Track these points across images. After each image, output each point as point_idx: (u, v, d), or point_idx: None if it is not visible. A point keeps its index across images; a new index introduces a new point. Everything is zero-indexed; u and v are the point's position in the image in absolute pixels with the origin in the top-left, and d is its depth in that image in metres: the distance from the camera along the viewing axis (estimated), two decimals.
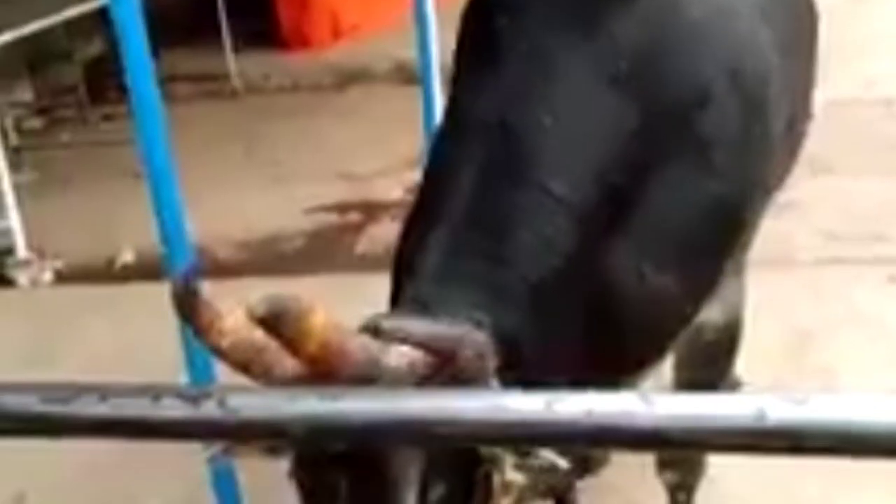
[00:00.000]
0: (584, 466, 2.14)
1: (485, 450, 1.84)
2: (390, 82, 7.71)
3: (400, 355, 1.71)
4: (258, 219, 5.68)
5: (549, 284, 1.94)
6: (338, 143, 6.63)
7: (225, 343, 1.66)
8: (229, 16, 7.87)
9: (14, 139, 7.06)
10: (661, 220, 2.13)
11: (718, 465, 2.82)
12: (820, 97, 3.04)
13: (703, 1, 2.25)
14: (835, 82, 5.07)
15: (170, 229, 2.68)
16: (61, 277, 5.44)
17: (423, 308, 1.83)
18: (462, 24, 2.45)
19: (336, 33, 9.00)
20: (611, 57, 2.09)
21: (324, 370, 1.56)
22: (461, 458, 1.85)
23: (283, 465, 2.44)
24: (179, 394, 1.38)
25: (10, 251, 5.45)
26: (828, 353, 3.93)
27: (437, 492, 1.81)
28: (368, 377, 1.61)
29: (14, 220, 5.41)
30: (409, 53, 5.38)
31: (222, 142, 6.80)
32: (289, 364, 1.65)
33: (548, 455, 1.80)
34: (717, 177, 2.21)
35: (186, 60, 8.30)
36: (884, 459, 1.24)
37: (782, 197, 4.45)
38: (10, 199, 5.41)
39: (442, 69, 4.36)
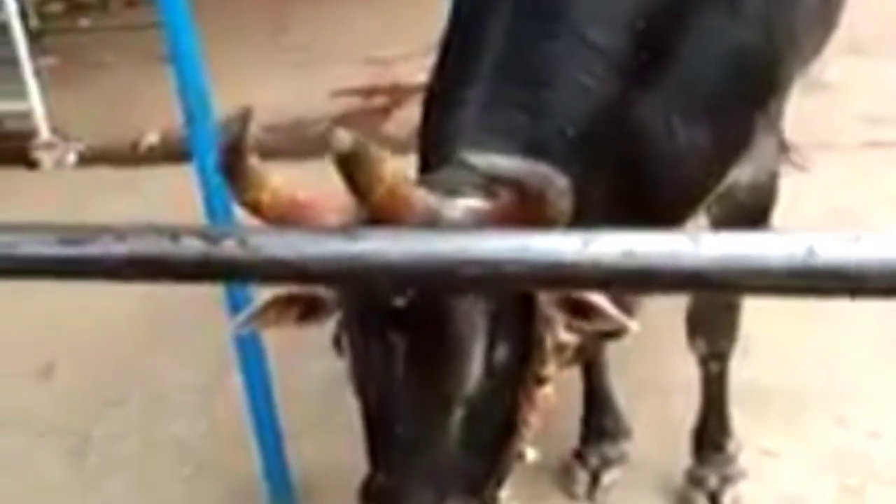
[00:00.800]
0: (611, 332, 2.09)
1: (540, 311, 1.81)
2: None
3: (461, 208, 1.66)
4: (284, 102, 5.61)
5: (585, 136, 1.88)
6: (364, 27, 6.53)
7: (266, 198, 1.62)
8: None
9: (35, 22, 6.97)
10: (692, 70, 2.09)
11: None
12: None
13: None
14: None
15: (195, 111, 2.64)
16: (85, 160, 5.41)
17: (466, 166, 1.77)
18: None
19: None
20: None
21: (385, 217, 1.52)
22: (520, 319, 1.81)
23: (313, 340, 2.41)
24: (199, 233, 1.32)
25: (33, 134, 5.41)
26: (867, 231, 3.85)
27: (500, 352, 1.78)
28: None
29: (37, 103, 5.36)
30: None
31: (248, 26, 6.70)
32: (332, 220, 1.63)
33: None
34: (749, 25, 2.17)
35: None
36: None
37: (820, 78, 4.41)
38: (32, 82, 5.35)
39: None
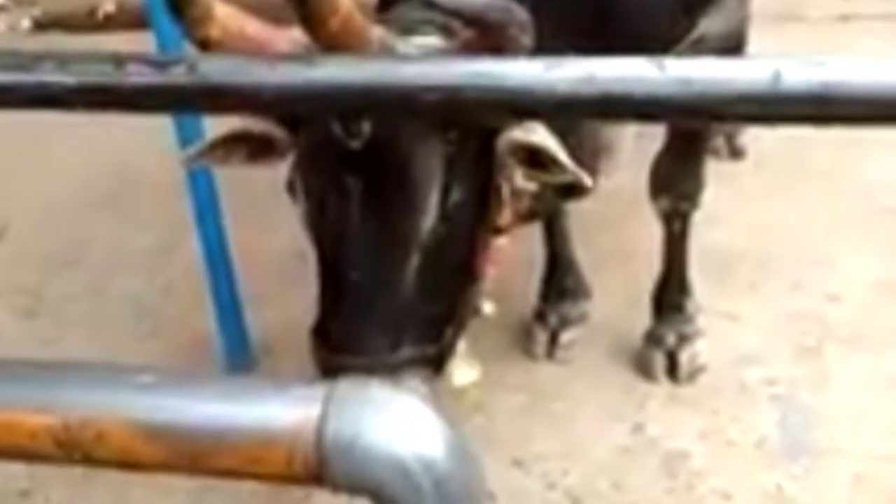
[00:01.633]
0: (570, 189, 2.07)
1: (497, 157, 1.78)
2: None
3: (417, 45, 1.62)
4: None
5: None
6: None
7: (216, 33, 1.55)
8: None
9: None
10: None
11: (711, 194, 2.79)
12: None
13: None
14: None
15: None
16: (40, 25, 5.27)
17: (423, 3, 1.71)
18: None
19: None
20: None
21: (335, 48, 1.45)
22: (477, 164, 1.79)
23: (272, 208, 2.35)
24: (146, 60, 1.27)
25: None
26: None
27: (456, 196, 1.75)
28: None
29: None
30: None
31: None
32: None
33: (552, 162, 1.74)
34: None
35: None
36: None
37: None
38: None
39: None
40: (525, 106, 1.24)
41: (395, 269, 1.73)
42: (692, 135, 2.66)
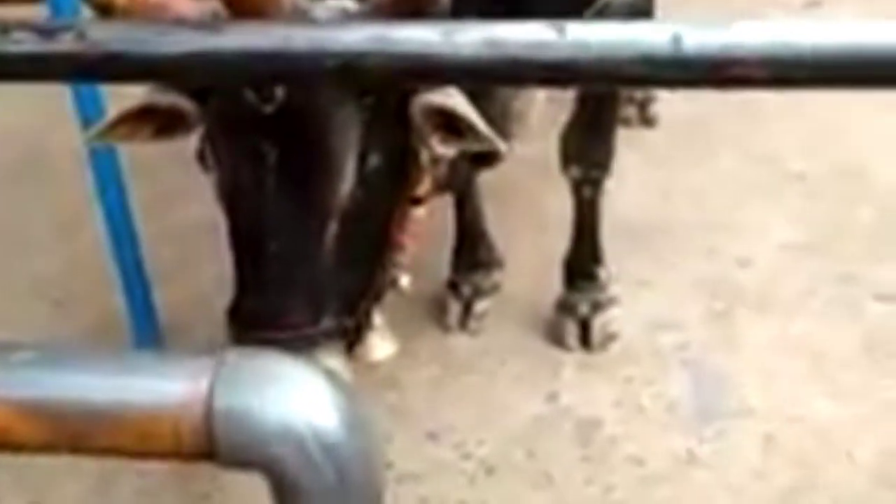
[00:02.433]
0: (483, 157, 2.04)
1: (413, 122, 1.75)
2: None
3: (331, 8, 1.58)
4: None
5: None
6: None
7: None
8: None
9: None
10: None
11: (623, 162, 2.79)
12: None
13: None
14: None
15: None
16: None
17: None
18: None
19: None
20: None
21: (246, 14, 1.38)
22: (393, 130, 1.76)
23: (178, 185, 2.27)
24: (33, 27, 1.22)
25: None
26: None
27: (373, 161, 1.71)
28: None
29: None
30: None
31: None
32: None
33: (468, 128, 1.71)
34: None
35: None
36: (807, 88, 1.15)
37: None
38: None
39: None
40: (426, 71, 1.22)
41: (312, 238, 1.68)
42: (601, 102, 2.65)
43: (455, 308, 2.92)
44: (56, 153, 3.62)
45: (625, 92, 3.19)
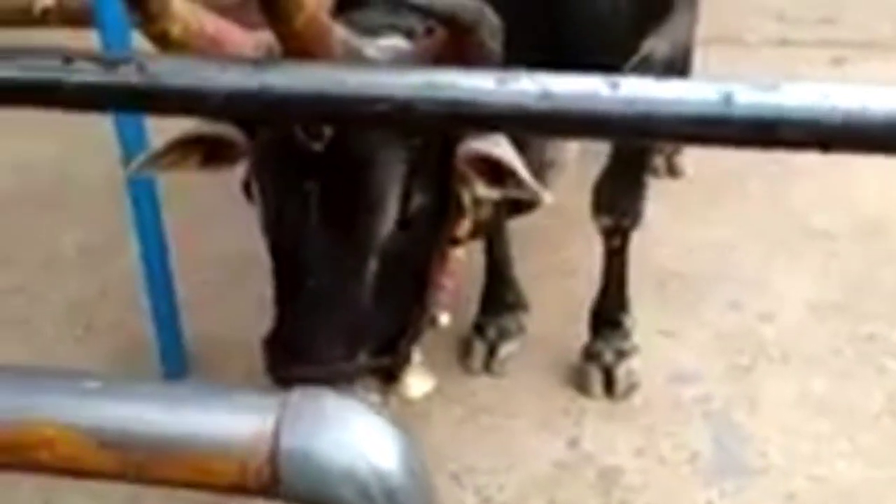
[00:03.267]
0: (517, 204, 2.07)
1: (459, 166, 1.77)
2: None
3: (383, 48, 1.60)
4: None
5: None
6: None
7: (176, 30, 1.52)
8: None
9: None
10: None
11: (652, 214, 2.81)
12: None
13: None
14: None
15: None
16: None
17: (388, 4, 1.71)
18: None
19: None
20: None
21: (302, 53, 1.42)
22: (437, 172, 1.77)
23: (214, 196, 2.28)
24: (95, 58, 1.25)
25: None
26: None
27: (417, 202, 1.73)
28: None
29: None
30: None
31: None
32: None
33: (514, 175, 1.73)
34: None
35: None
36: (852, 152, 1.16)
37: None
38: None
39: None
40: (477, 119, 1.24)
41: (352, 275, 1.71)
42: (636, 154, 2.68)
43: (480, 350, 2.93)
44: (90, 178, 3.66)
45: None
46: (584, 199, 2.76)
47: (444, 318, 1.96)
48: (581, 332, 2.90)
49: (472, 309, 3.00)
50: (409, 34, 1.66)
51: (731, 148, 1.19)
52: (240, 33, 1.60)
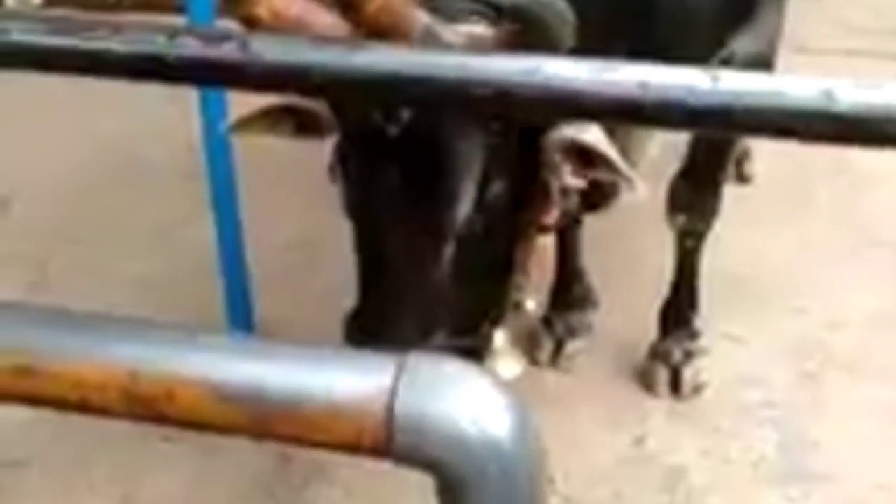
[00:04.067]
0: (595, 197, 2.07)
1: (545, 154, 1.78)
2: None
3: (462, 33, 1.62)
4: None
5: None
6: None
7: (262, 11, 1.55)
8: None
9: None
10: None
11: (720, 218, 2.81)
12: None
13: None
14: None
15: None
16: (52, 1, 5.26)
17: None
18: None
19: None
20: None
21: (379, 32, 1.44)
22: (520, 158, 1.78)
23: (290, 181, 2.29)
24: (199, 33, 1.27)
25: None
26: None
27: (496, 188, 1.75)
28: None
29: None
30: None
31: None
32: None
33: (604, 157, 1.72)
34: None
35: None
36: None
37: None
38: None
39: None
40: (575, 107, 1.25)
41: (429, 258, 1.73)
42: (714, 154, 2.67)
43: (548, 345, 2.93)
44: (159, 160, 3.72)
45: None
46: (657, 197, 2.75)
47: (531, 304, 1.97)
48: (648, 331, 2.90)
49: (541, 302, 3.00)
50: (489, 20, 1.67)
51: (829, 144, 1.19)
52: (324, 14, 1.62)
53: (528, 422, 0.73)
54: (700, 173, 2.69)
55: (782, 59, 3.79)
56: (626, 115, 1.24)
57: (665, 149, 2.61)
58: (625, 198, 1.83)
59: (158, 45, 1.28)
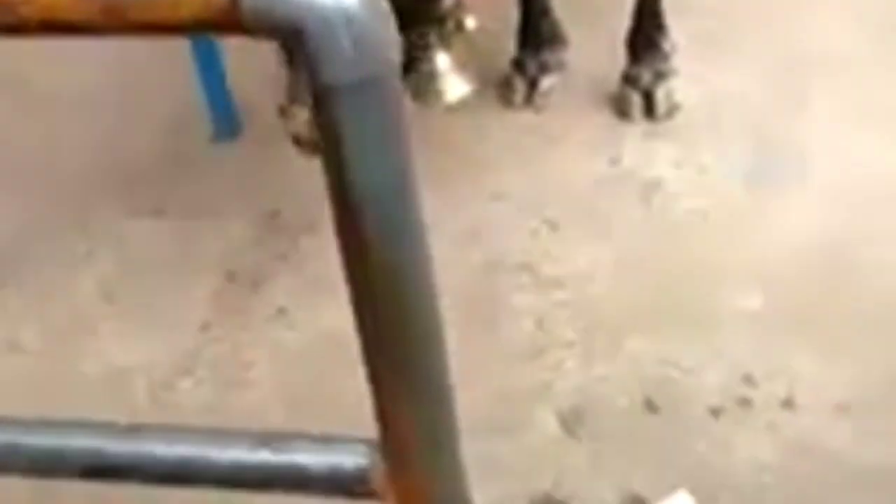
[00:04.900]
0: None
1: None
2: None
3: None
4: None
5: None
6: None
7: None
8: None
9: None
10: None
11: None
12: None
13: None
14: None
15: None
16: None
17: None
18: None
19: None
20: None
21: None
22: None
23: None
24: None
25: None
26: None
27: None
28: None
29: None
30: None
31: None
32: None
33: None
34: None
35: None
36: None
37: None
38: None
39: None
40: None
41: None
42: None
43: (520, 86, 2.95)
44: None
45: None
46: None
47: (471, 23, 1.96)
48: (621, 62, 2.90)
49: (510, 48, 3.01)
50: None
51: None
52: None
53: None
54: None
55: None
56: None
57: None
58: None
59: None
